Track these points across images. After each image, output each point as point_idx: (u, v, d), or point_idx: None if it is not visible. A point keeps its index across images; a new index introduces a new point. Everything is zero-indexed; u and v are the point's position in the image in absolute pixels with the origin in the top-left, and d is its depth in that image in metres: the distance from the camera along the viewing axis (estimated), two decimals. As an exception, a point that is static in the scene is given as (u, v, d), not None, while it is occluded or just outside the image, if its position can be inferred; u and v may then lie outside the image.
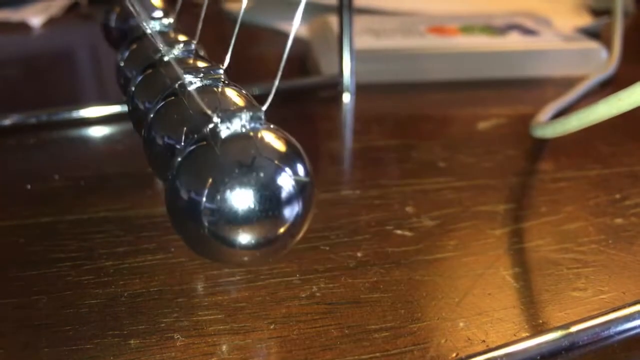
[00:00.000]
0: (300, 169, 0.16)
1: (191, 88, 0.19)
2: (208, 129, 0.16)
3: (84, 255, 0.22)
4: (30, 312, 0.19)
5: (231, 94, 0.19)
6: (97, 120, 0.34)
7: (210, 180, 0.15)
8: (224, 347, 0.18)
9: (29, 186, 0.27)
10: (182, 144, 0.19)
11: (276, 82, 0.16)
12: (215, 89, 0.19)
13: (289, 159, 0.16)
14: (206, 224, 0.15)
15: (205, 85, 0.19)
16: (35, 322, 0.19)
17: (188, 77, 0.19)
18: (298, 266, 0.22)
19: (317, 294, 0.20)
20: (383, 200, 0.26)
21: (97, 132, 0.33)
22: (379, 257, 0.22)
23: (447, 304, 0.20)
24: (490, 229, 0.24)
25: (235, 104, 0.18)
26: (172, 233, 0.23)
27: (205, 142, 0.16)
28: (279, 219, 0.16)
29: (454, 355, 0.18)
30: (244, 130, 0.16)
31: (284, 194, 0.15)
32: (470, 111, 0.37)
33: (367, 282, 0.21)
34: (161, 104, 0.20)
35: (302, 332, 0.19)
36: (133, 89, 0.23)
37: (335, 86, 0.38)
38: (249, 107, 0.16)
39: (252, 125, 0.16)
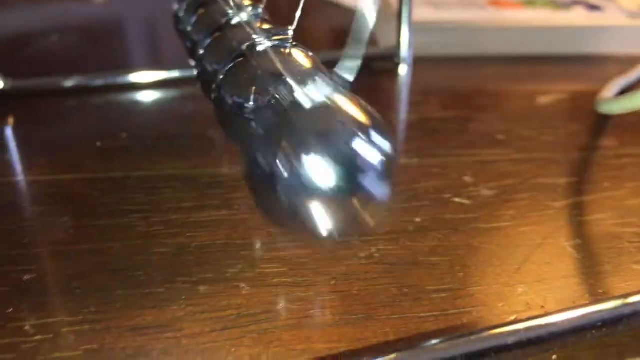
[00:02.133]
0: (382, 140, 0.15)
1: (260, 49, 0.20)
2: (285, 94, 0.16)
3: (153, 208, 0.23)
4: (105, 258, 0.20)
5: (300, 55, 0.19)
6: (158, 84, 0.35)
7: (286, 146, 0.14)
8: (287, 298, 0.19)
9: (99, 143, 0.28)
10: (252, 104, 0.19)
11: (351, 50, 0.16)
12: (283, 50, 0.20)
13: (370, 128, 0.15)
14: (281, 191, 0.14)
15: (275, 46, 0.20)
16: (109, 266, 0.20)
17: (258, 39, 0.19)
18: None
19: (376, 255, 0.21)
20: (441, 170, 0.26)
21: (159, 95, 0.34)
22: (437, 223, 0.23)
23: (505, 270, 0.20)
24: (550, 201, 0.24)
25: (305, 66, 0.19)
26: (235, 191, 0.24)
27: (282, 109, 0.15)
28: (357, 191, 0.14)
29: (512, 318, 0.18)
30: (324, 97, 0.15)
31: (364, 165, 0.14)
32: (530, 86, 0.37)
33: (426, 246, 0.21)
34: (231, 65, 0.20)
35: (362, 289, 0.19)
36: (201, 52, 0.24)
37: (391, 58, 0.38)
38: (329, 72, 0.16)
39: (333, 92, 0.15)
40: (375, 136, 0.14)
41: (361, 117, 0.15)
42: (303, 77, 0.15)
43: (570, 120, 0.31)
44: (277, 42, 0.19)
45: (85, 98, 0.33)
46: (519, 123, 0.31)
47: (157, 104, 0.34)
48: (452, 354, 0.15)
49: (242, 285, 0.19)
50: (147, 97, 0.34)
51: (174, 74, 0.35)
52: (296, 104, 0.15)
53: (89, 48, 0.43)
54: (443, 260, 0.20)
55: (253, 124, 0.16)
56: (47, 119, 0.31)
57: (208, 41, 0.24)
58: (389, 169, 0.15)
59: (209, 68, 0.23)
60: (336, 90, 0.15)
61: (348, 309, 0.18)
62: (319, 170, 0.14)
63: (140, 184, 0.25)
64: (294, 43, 0.20)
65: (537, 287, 0.19)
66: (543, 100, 0.34)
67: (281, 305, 0.18)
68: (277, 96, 0.16)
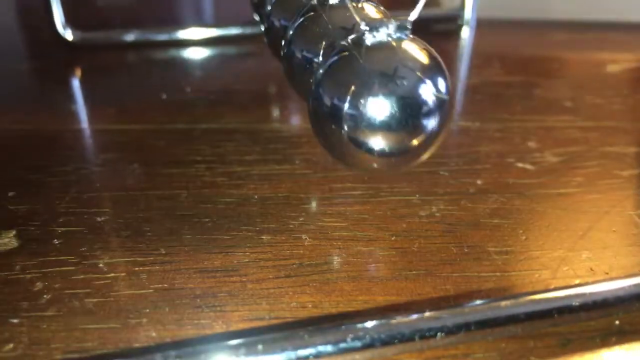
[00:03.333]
0: (441, 84, 0.16)
1: (332, 2, 0.20)
2: (352, 39, 0.16)
3: (218, 159, 0.24)
4: (173, 204, 0.21)
5: (370, 9, 0.19)
6: (219, 40, 0.35)
7: (352, 87, 0.16)
8: (348, 251, 0.19)
9: (164, 96, 0.29)
10: (322, 57, 0.19)
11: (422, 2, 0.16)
12: (355, 4, 0.20)
13: (431, 72, 0.16)
14: (346, 128, 0.16)
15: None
16: (178, 212, 0.21)
17: None
18: (418, 187, 0.22)
19: (437, 214, 0.21)
20: (504, 134, 0.26)
21: (220, 52, 0.35)
22: (499, 186, 0.22)
23: (570, 236, 0.20)
24: (618, 170, 0.23)
25: (373, 17, 0.19)
26: (297, 147, 0.24)
27: (348, 51, 0.16)
28: (415, 129, 0.16)
29: (576, 281, 0.18)
30: (389, 39, 0.16)
31: (423, 106, 0.16)
32: (598, 53, 0.35)
33: (487, 208, 0.21)
34: (301, 20, 0.20)
35: (422, 246, 0.19)
36: (269, 7, 0.24)
37: (454, 20, 0.38)
38: (395, 18, 0.16)
39: (398, 35, 0.16)
40: (433, 78, 0.16)
41: (423, 59, 0.16)
42: (375, 24, 0.16)
43: (641, 89, 0.30)
44: None
45: (148, 52, 0.34)
46: (587, 90, 0.30)
47: (218, 60, 0.34)
48: (514, 312, 0.15)
49: (304, 236, 0.20)
50: (208, 53, 0.35)
51: (234, 30, 0.36)
52: (360, 45, 0.16)
53: (154, 3, 0.43)
54: (505, 223, 0.20)
55: (319, 68, 0.17)
56: (113, 71, 0.32)
57: None
58: (443, 111, 0.16)
59: (277, 24, 0.23)
60: (404, 34, 0.16)
61: (408, 264, 0.19)
62: (377, 107, 0.15)
63: (205, 136, 0.25)
64: None
65: (601, 254, 0.19)
66: (612, 68, 0.33)
67: (342, 257, 0.19)
68: (344, 42, 0.17)
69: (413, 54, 0.16)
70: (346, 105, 0.16)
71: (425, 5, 0.17)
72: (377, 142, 0.16)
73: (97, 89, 0.31)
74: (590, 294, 0.16)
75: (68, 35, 0.34)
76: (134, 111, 0.27)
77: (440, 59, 0.17)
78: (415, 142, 0.16)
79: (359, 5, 0.20)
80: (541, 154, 0.24)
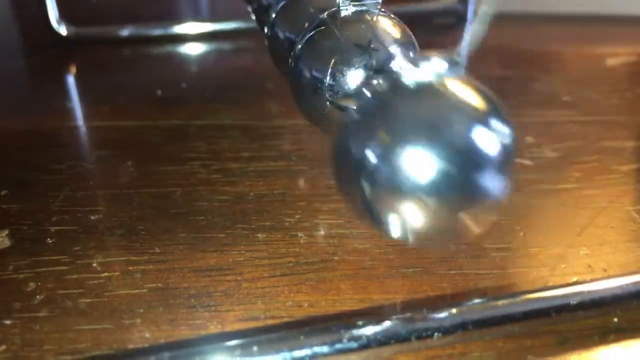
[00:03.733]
0: (502, 130, 0.12)
1: (344, 15, 0.17)
2: (389, 78, 0.13)
3: (213, 156, 0.23)
4: (168, 202, 0.21)
5: (388, 24, 0.17)
6: (215, 35, 0.35)
7: (389, 139, 0.12)
8: (344, 249, 0.19)
9: (159, 92, 0.28)
10: (334, 80, 0.16)
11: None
12: (370, 17, 0.17)
13: (488, 116, 0.12)
14: (371, 187, 0.12)
15: (360, 12, 0.17)
16: (172, 210, 0.20)
17: (342, 3, 0.17)
18: (415, 184, 0.22)
19: (434, 211, 0.21)
20: (501, 129, 0.26)
21: (216, 47, 0.34)
22: (497, 182, 0.22)
23: (568, 232, 0.20)
24: (616, 165, 0.23)
25: (396, 36, 0.16)
26: (293, 143, 0.24)
27: (385, 92, 0.13)
28: (466, 193, 0.12)
29: (574, 279, 0.18)
30: (432, 77, 0.12)
31: (479, 163, 0.12)
32: (597, 47, 0.35)
33: (485, 205, 0.21)
34: (311, 34, 0.17)
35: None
36: (274, 15, 0.22)
37: (452, 13, 0.37)
38: (446, 53, 0.13)
39: (447, 74, 0.12)
40: (494, 126, 0.12)
41: (478, 103, 0.12)
42: (403, 52, 0.13)
43: (638, 83, 0.30)
44: (363, 8, 0.17)
45: (144, 47, 0.34)
46: (585, 85, 0.30)
47: (214, 55, 0.34)
48: (512, 311, 0.15)
49: (300, 234, 0.19)
50: (203, 48, 0.34)
51: (231, 25, 0.35)
52: (398, 85, 0.12)
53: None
54: (503, 220, 0.20)
55: (343, 106, 0.14)
56: (107, 67, 0.32)
57: (281, 4, 0.21)
58: (508, 165, 0.12)
59: (282, 35, 0.21)
60: (447, 69, 0.13)
61: (405, 262, 0.18)
62: (425, 166, 0.11)
63: (200, 133, 0.25)
64: (382, 9, 0.17)
65: (600, 250, 0.19)
66: (611, 62, 0.33)
67: (339, 255, 0.19)
68: (372, 75, 0.14)
69: (466, 98, 0.12)
70: (374, 157, 0.12)
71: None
72: (415, 216, 0.12)
73: (91, 85, 0.30)
74: (588, 292, 0.16)
75: (62, 30, 0.33)
76: (129, 108, 0.27)
77: (498, 101, 0.13)
78: (466, 209, 0.12)
79: (375, 18, 0.17)
80: (539, 149, 0.24)
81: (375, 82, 0.13)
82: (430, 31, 0.37)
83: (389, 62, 0.14)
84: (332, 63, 0.16)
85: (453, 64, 0.13)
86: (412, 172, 0.11)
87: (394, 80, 0.12)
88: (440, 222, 0.12)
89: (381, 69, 0.14)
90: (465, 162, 0.11)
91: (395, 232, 0.13)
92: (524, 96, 0.29)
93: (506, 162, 0.12)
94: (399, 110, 0.12)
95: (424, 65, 0.12)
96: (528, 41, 0.36)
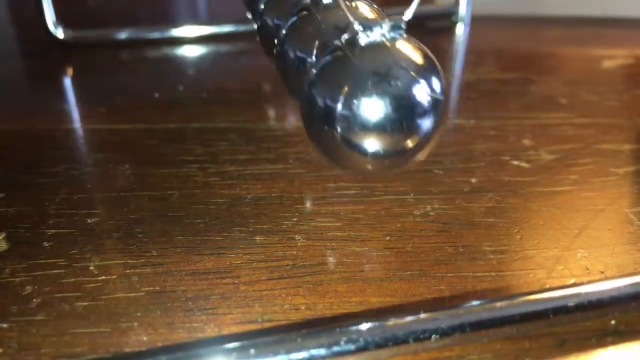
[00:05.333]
0: (436, 84, 0.16)
1: (325, 1, 0.19)
2: (346, 38, 0.16)
3: (210, 159, 0.23)
4: (165, 205, 0.21)
5: (365, 7, 0.19)
6: (212, 38, 0.35)
7: (345, 87, 0.15)
8: (342, 252, 0.19)
9: (156, 94, 0.28)
10: (315, 57, 0.19)
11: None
12: (348, 2, 0.19)
13: (425, 72, 0.15)
14: (339, 130, 0.15)
15: None
16: (170, 213, 0.20)
17: None
18: (412, 186, 0.22)
19: (431, 213, 0.21)
20: (499, 132, 0.26)
21: (213, 49, 0.34)
22: (494, 184, 0.22)
23: (565, 235, 0.20)
24: (613, 167, 0.23)
25: (371, 16, 0.18)
26: (290, 146, 0.24)
27: (342, 51, 0.16)
28: (410, 130, 0.15)
29: (571, 281, 0.18)
30: (383, 39, 0.16)
31: (417, 107, 0.15)
32: (593, 49, 0.35)
33: (482, 207, 0.21)
34: (294, 19, 0.20)
35: (417, 246, 0.19)
36: (262, 6, 0.23)
37: (449, 16, 0.37)
38: (389, 17, 0.16)
39: (392, 35, 0.16)
40: (428, 78, 0.15)
41: (417, 59, 0.15)
42: (369, 24, 0.16)
43: (635, 85, 0.30)
44: None
45: (141, 50, 0.34)
46: (582, 87, 0.30)
47: (211, 58, 0.34)
48: (509, 313, 0.15)
49: (298, 237, 0.19)
50: (200, 51, 0.34)
51: (228, 28, 0.35)
52: (354, 45, 0.15)
53: (146, 1, 0.43)
54: (500, 222, 0.20)
55: (312, 68, 0.16)
56: (105, 70, 0.32)
57: None
58: (438, 112, 0.15)
59: (270, 23, 0.23)
60: (398, 33, 0.15)
61: (402, 265, 0.18)
62: (371, 107, 0.15)
63: (197, 135, 0.25)
64: None
65: (597, 253, 0.19)
66: (607, 64, 0.33)
67: (336, 258, 0.19)
68: (337, 42, 0.16)
69: (407, 54, 0.15)
70: (339, 106, 0.15)
71: (420, 2, 0.17)
72: (371, 143, 0.15)
73: (89, 88, 0.30)
74: (586, 294, 0.16)
75: (59, 33, 0.33)
76: (126, 110, 0.27)
77: (434, 59, 0.16)
78: (409, 143, 0.16)
79: (353, 4, 0.19)
80: (536, 151, 0.24)
81: (334, 44, 0.16)
82: (426, 33, 0.37)
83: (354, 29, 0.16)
84: (314, 44, 0.18)
85: (397, 27, 0.15)
86: (366, 114, 0.15)
87: (349, 41, 0.16)
88: (390, 152, 0.16)
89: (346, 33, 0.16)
90: (406, 104, 0.15)
91: (357, 166, 0.16)
92: (522, 98, 0.29)
93: (438, 105, 0.15)
94: (354, 64, 0.15)
95: (375, 28, 0.15)
96: (525, 43, 0.36)
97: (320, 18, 0.19)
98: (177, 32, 0.35)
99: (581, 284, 0.16)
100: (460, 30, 0.37)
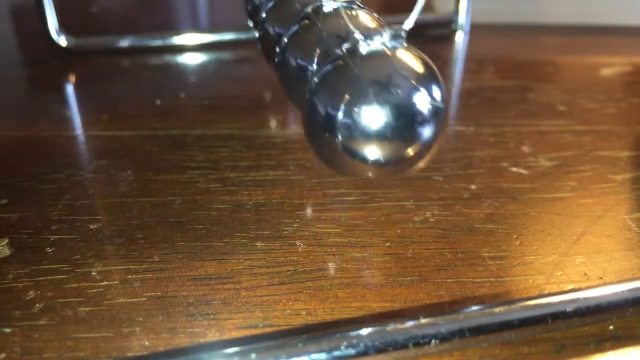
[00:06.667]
0: (436, 92, 0.16)
1: (327, 10, 0.19)
2: (347, 47, 0.16)
3: (211, 165, 0.24)
4: (167, 211, 0.21)
5: (365, 16, 0.19)
6: (213, 46, 0.35)
7: (346, 96, 0.15)
8: (343, 258, 0.19)
9: (158, 101, 0.29)
10: (316, 66, 0.19)
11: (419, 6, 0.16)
12: (349, 11, 0.19)
13: (426, 81, 0.15)
14: (340, 138, 0.15)
15: (340, 7, 0.19)
16: (171, 219, 0.21)
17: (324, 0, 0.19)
18: (412, 193, 0.22)
19: (431, 219, 0.21)
20: (498, 139, 0.26)
21: (214, 57, 0.35)
22: (494, 191, 0.22)
23: (564, 241, 0.20)
24: (611, 174, 0.23)
25: (369, 26, 0.18)
26: (291, 152, 0.24)
27: (343, 60, 0.16)
28: (411, 138, 0.15)
29: (570, 287, 0.18)
30: (384, 48, 0.16)
31: (418, 115, 0.15)
32: (592, 57, 0.35)
33: (482, 213, 0.21)
34: (296, 28, 0.20)
35: (417, 252, 0.19)
36: (264, 15, 0.24)
37: (448, 24, 0.38)
38: (390, 26, 0.16)
39: (393, 43, 0.16)
40: (429, 87, 0.15)
41: (418, 67, 0.15)
42: (370, 33, 0.16)
43: (633, 93, 0.30)
44: (343, 4, 0.19)
45: (143, 57, 0.34)
46: (580, 94, 0.30)
47: (212, 65, 0.34)
48: (508, 318, 0.15)
49: (298, 243, 0.20)
50: (202, 58, 0.35)
51: (229, 36, 0.36)
52: (354, 54, 0.15)
53: (148, 9, 0.43)
54: (499, 228, 0.20)
55: (313, 77, 0.16)
56: (107, 77, 0.32)
57: (271, 4, 0.24)
58: (439, 120, 0.15)
59: (272, 31, 0.23)
60: (399, 42, 0.16)
61: (402, 270, 0.19)
62: (372, 116, 0.15)
63: (198, 142, 0.25)
64: (361, 5, 0.19)
65: (595, 259, 0.19)
66: (606, 72, 0.33)
67: (337, 264, 0.19)
68: (338, 51, 0.16)
69: (408, 63, 0.16)
70: (340, 114, 0.15)
71: (420, 11, 0.17)
72: (372, 151, 0.16)
73: (91, 95, 0.30)
74: (584, 299, 0.16)
75: (62, 41, 0.34)
76: (128, 117, 0.27)
77: (435, 67, 0.16)
78: (410, 151, 0.16)
79: (354, 13, 0.19)
80: (535, 158, 0.24)
81: (335, 52, 0.16)
82: (426, 42, 0.37)
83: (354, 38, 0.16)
84: (315, 53, 0.19)
85: (398, 36, 0.15)
86: (365, 121, 0.15)
87: (350, 50, 0.16)
88: (391, 160, 0.16)
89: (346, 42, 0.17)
90: (407, 112, 0.15)
91: (359, 172, 0.16)
92: (521, 106, 0.29)
93: (439, 114, 0.15)
94: (355, 74, 0.15)
95: (375, 37, 0.15)
96: (524, 51, 0.36)
97: (321, 27, 0.19)
98: (178, 39, 0.35)
99: (580, 289, 0.16)
100: (460, 38, 0.37)
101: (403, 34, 0.16)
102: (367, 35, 0.16)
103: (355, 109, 0.15)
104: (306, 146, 0.25)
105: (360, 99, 0.15)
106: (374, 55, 0.16)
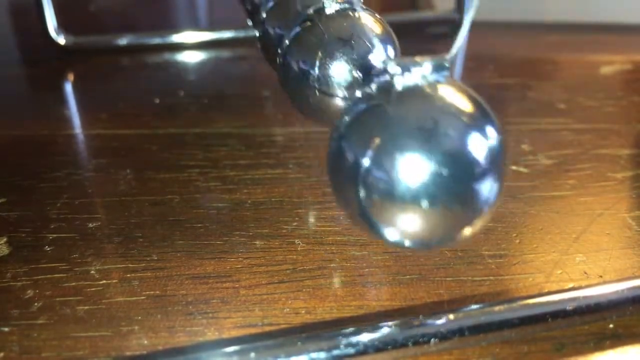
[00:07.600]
0: (494, 138, 0.12)
1: (329, 12, 0.18)
2: (379, 83, 0.13)
3: (210, 164, 0.23)
4: (166, 209, 0.21)
5: (370, 20, 0.18)
6: (212, 44, 0.35)
7: (377, 140, 0.12)
8: (342, 256, 0.19)
9: (157, 100, 0.29)
10: (318, 69, 0.18)
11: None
12: (352, 13, 0.18)
13: (480, 124, 0.12)
14: (363, 195, 0.12)
15: (343, 9, 0.18)
16: (170, 217, 0.20)
17: (326, 1, 0.18)
18: (411, 191, 0.22)
19: (431, 218, 0.21)
20: (497, 137, 0.26)
21: (213, 55, 0.35)
22: (493, 189, 0.22)
23: (564, 239, 0.20)
24: (611, 172, 0.23)
25: (372, 31, 0.17)
26: (290, 151, 0.24)
27: (376, 99, 0.13)
28: (465, 205, 0.12)
29: (570, 285, 0.18)
30: (424, 83, 0.12)
31: (477, 170, 0.12)
32: (592, 55, 0.35)
33: (481, 212, 0.21)
34: (298, 30, 0.19)
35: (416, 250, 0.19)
36: (264, 15, 0.23)
37: (448, 22, 0.38)
38: (431, 55, 0.13)
39: (435, 77, 0.12)
40: (484, 130, 0.12)
41: (467, 107, 0.12)
42: (407, 65, 0.12)
43: (633, 91, 0.30)
44: (345, 5, 0.18)
45: (142, 56, 0.34)
46: (580, 92, 0.30)
47: (211, 64, 0.34)
48: (508, 317, 0.15)
49: (298, 241, 0.19)
50: (201, 57, 0.35)
51: (228, 34, 0.36)
52: (389, 92, 0.12)
53: (147, 7, 0.43)
54: (499, 226, 0.20)
55: (343, 117, 0.13)
56: (106, 76, 0.32)
57: (271, 3, 0.23)
58: (498, 168, 0.12)
59: (272, 32, 0.22)
60: (436, 73, 0.12)
61: (401, 269, 0.18)
62: (417, 170, 0.11)
63: (197, 141, 0.25)
64: (364, 6, 0.19)
65: (595, 257, 0.19)
66: (605, 70, 0.33)
67: (336, 262, 0.19)
68: (368, 90, 0.13)
69: (456, 103, 0.12)
70: (367, 162, 0.12)
71: (419, 8, 0.16)
72: (408, 221, 0.12)
73: (90, 94, 0.30)
74: (584, 297, 0.16)
75: (61, 39, 0.34)
76: (127, 116, 0.27)
77: (488, 107, 0.13)
78: (463, 221, 0.12)
79: (356, 14, 0.18)
80: (535, 156, 0.24)
81: (367, 87, 0.13)
82: (426, 39, 0.37)
83: (379, 65, 0.14)
84: (318, 57, 0.17)
85: (441, 68, 0.12)
86: (404, 176, 0.11)
87: (386, 85, 0.12)
88: (434, 227, 0.12)
89: (372, 73, 0.15)
90: (456, 167, 0.11)
91: (390, 237, 0.13)
92: (520, 104, 0.29)
93: (496, 166, 0.12)
94: (390, 116, 0.12)
95: (414, 69, 0.12)
96: (524, 49, 0.36)
97: (323, 29, 0.18)
98: (177, 38, 0.35)
99: (579, 288, 0.16)
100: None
101: (447, 64, 0.13)
102: (404, 67, 0.12)
103: (390, 160, 0.12)
104: (305, 144, 0.25)
105: (397, 146, 0.12)
106: (414, 92, 0.12)
